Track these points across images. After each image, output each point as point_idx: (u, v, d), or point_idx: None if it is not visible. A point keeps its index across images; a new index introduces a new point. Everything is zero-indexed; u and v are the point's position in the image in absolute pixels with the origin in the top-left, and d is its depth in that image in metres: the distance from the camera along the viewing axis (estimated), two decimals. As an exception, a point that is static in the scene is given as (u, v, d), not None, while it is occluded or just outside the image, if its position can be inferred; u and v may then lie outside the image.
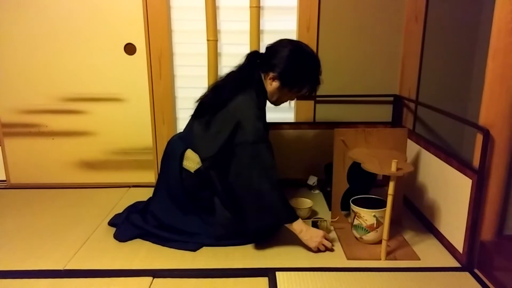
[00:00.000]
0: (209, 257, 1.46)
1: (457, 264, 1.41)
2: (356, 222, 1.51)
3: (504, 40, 1.25)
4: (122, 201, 1.93)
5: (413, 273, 1.35)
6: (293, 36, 1.92)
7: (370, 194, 1.61)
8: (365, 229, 1.48)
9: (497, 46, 1.27)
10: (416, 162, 1.76)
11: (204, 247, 1.51)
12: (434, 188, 1.61)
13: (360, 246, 1.50)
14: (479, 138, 1.32)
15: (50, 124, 2.11)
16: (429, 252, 1.48)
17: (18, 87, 2.06)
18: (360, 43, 2.00)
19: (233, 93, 1.48)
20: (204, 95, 1.59)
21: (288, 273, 1.34)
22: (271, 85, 1.53)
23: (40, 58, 2.03)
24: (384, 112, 2.09)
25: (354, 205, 1.51)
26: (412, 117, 2.00)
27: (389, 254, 1.44)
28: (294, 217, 1.46)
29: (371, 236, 1.49)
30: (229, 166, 1.45)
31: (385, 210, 1.40)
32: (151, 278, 1.32)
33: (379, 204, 1.52)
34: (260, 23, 1.94)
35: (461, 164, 1.41)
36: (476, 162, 1.33)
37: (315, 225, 1.58)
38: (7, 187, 2.18)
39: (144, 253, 1.48)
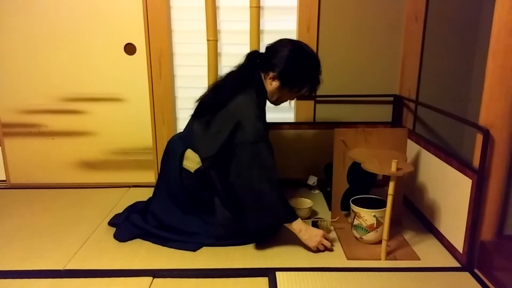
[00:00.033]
0: (209, 257, 1.46)
1: (457, 264, 1.41)
2: (356, 222, 1.51)
3: (504, 40, 1.25)
4: (122, 201, 1.93)
5: (413, 273, 1.35)
6: (293, 36, 1.92)
7: (370, 194, 1.61)
8: (365, 229, 1.48)
9: (497, 47, 1.27)
10: (416, 162, 1.76)
11: (204, 247, 1.51)
12: (434, 188, 1.61)
13: (360, 246, 1.51)
14: (479, 138, 1.32)
15: (50, 124, 2.11)
16: (429, 252, 1.48)
17: (18, 87, 2.06)
18: (360, 43, 2.00)
19: (233, 93, 1.48)
20: (204, 95, 1.59)
21: (288, 273, 1.34)
22: (271, 85, 1.53)
23: (40, 58, 2.03)
24: (384, 112, 2.09)
25: (354, 205, 1.51)
26: (412, 117, 2.00)
27: (389, 254, 1.44)
28: (294, 217, 1.46)
29: (371, 236, 1.49)
30: (229, 166, 1.45)
31: (385, 210, 1.40)
32: (151, 278, 1.32)
33: (379, 204, 1.52)
34: (260, 23, 1.94)
35: (461, 164, 1.41)
36: (476, 162, 1.33)
37: (315, 225, 1.59)
38: (7, 187, 2.18)
39: (144, 253, 1.48)
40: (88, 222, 1.72)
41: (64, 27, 1.99)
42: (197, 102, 1.59)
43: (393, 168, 1.35)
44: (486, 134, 1.28)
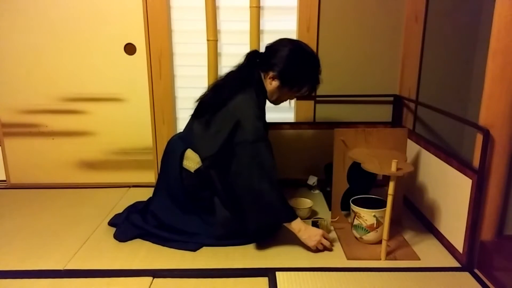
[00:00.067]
0: (209, 257, 1.46)
1: (457, 264, 1.41)
2: (356, 222, 1.51)
3: (504, 40, 1.25)
4: (122, 201, 1.93)
5: (413, 273, 1.35)
6: (293, 36, 1.92)
7: (370, 194, 1.61)
8: (365, 229, 1.48)
9: (497, 46, 1.27)
10: (416, 162, 1.76)
11: (204, 247, 1.51)
12: (434, 188, 1.61)
13: (360, 246, 1.51)
14: (479, 138, 1.32)
15: (50, 124, 2.11)
16: (429, 252, 1.48)
17: (18, 87, 2.06)
18: (360, 43, 2.00)
19: (233, 93, 1.48)
20: (204, 94, 1.59)
21: (288, 273, 1.34)
22: (271, 85, 1.53)
23: (40, 58, 2.03)
24: (384, 112, 2.09)
25: (354, 205, 1.51)
26: (412, 117, 2.00)
27: (389, 254, 1.44)
28: (293, 217, 1.46)
29: (371, 236, 1.49)
30: (229, 165, 1.45)
31: (385, 210, 1.40)
32: (151, 278, 1.32)
33: (379, 204, 1.52)
34: (260, 23, 1.94)
35: (461, 164, 1.41)
36: (476, 162, 1.33)
37: (315, 225, 1.58)
38: (7, 187, 2.18)
39: (144, 253, 1.48)
40: (88, 222, 1.72)
41: (64, 27, 1.99)
42: (197, 102, 1.59)
43: (393, 168, 1.35)
44: (486, 134, 1.28)
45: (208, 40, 1.92)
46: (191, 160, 1.55)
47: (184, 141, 1.60)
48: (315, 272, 1.34)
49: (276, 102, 1.61)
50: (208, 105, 1.53)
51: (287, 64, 1.48)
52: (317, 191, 2.05)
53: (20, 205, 1.91)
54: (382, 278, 1.31)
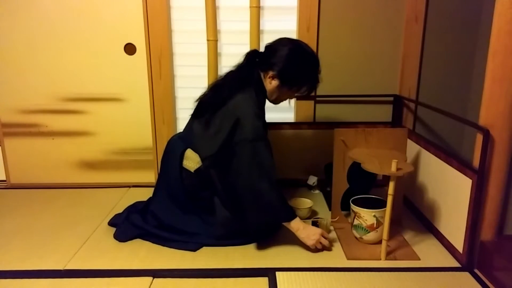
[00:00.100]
0: (209, 257, 1.46)
1: (457, 264, 1.41)
2: (356, 222, 1.51)
3: (504, 40, 1.25)
4: (122, 201, 1.93)
5: (413, 273, 1.35)
6: (293, 36, 1.91)
7: (370, 194, 1.61)
8: (365, 229, 1.48)
9: (497, 47, 1.27)
10: (416, 162, 1.76)
11: (204, 247, 1.51)
12: (434, 188, 1.61)
13: (360, 246, 1.51)
14: (479, 138, 1.32)
15: (50, 124, 2.11)
16: (429, 252, 1.48)
17: (18, 87, 2.06)
18: (360, 43, 2.00)
19: (233, 92, 1.48)
20: (203, 94, 1.59)
21: (288, 273, 1.34)
22: (271, 84, 1.53)
23: (40, 58, 2.03)
24: (384, 112, 2.09)
25: (354, 205, 1.51)
26: (412, 117, 1.99)
27: (389, 254, 1.44)
28: (292, 216, 1.46)
29: (371, 236, 1.49)
30: (229, 165, 1.45)
31: (385, 210, 1.40)
32: (151, 278, 1.32)
33: (379, 204, 1.52)
34: (260, 23, 1.94)
35: (461, 164, 1.41)
36: (476, 162, 1.33)
37: (315, 225, 1.58)
38: (7, 187, 2.18)
39: (144, 253, 1.48)
40: (88, 222, 1.72)
41: (64, 27, 1.99)
42: (197, 102, 1.59)
43: (393, 168, 1.35)
44: (486, 134, 1.28)
45: (208, 40, 1.92)
46: (191, 160, 1.55)
47: (184, 141, 1.60)
48: (315, 272, 1.34)
49: (275, 101, 1.61)
50: (207, 105, 1.53)
51: (287, 64, 1.48)
52: (317, 191, 2.05)
53: (20, 205, 1.91)
54: (382, 278, 1.31)
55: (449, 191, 1.49)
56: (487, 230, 1.37)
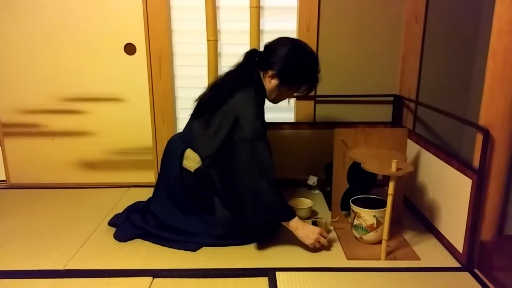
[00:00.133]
0: (209, 257, 1.46)
1: (457, 264, 1.41)
2: (356, 222, 1.51)
3: (504, 40, 1.25)
4: (122, 201, 1.93)
5: (413, 273, 1.35)
6: (293, 36, 1.92)
7: (370, 194, 1.61)
8: (365, 229, 1.48)
9: (497, 47, 1.27)
10: (416, 162, 1.76)
11: (204, 247, 1.51)
12: (434, 188, 1.61)
13: (360, 246, 1.51)
14: (479, 138, 1.32)
15: (50, 124, 2.11)
16: (429, 252, 1.48)
17: (18, 87, 2.06)
18: (360, 43, 2.00)
19: (232, 92, 1.48)
20: (203, 94, 1.59)
21: (288, 273, 1.34)
22: (270, 83, 1.53)
23: (40, 58, 2.03)
24: (384, 112, 2.09)
25: (354, 205, 1.51)
26: (412, 117, 1.99)
27: (389, 254, 1.44)
28: (291, 215, 1.46)
29: (371, 236, 1.49)
30: (229, 164, 1.45)
31: (385, 210, 1.40)
32: (151, 278, 1.32)
33: (379, 204, 1.52)
34: (260, 23, 1.94)
35: (461, 164, 1.41)
36: (476, 162, 1.33)
37: (314, 224, 1.58)
38: (7, 187, 2.18)
39: (144, 253, 1.48)
40: (88, 222, 1.72)
41: (64, 27, 1.99)
42: (196, 101, 1.59)
43: (393, 168, 1.35)
44: (486, 134, 1.28)
45: (208, 40, 1.92)
46: (191, 160, 1.55)
47: (184, 141, 1.60)
48: (315, 272, 1.34)
49: (275, 101, 1.61)
50: (207, 104, 1.53)
51: (286, 63, 1.48)
52: (317, 191, 2.05)
53: (20, 205, 1.91)
54: (382, 278, 1.31)
55: (449, 191, 1.49)
56: (487, 230, 1.37)
